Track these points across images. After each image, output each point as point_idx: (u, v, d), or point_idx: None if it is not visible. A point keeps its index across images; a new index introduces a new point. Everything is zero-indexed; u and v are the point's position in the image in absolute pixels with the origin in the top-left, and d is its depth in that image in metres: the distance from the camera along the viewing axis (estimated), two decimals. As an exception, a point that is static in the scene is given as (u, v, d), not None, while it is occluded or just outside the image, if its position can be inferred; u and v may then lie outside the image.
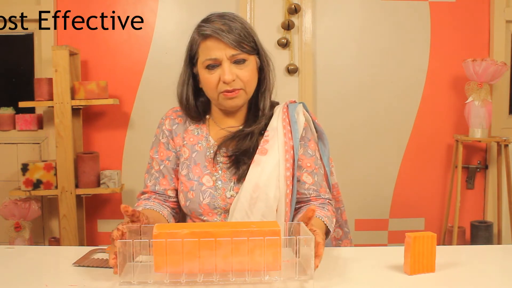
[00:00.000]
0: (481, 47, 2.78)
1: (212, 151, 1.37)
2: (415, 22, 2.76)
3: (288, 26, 2.68)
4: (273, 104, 1.44)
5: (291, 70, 2.71)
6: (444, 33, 2.77)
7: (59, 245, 2.58)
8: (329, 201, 1.39)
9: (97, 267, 1.13)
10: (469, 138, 2.60)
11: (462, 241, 2.73)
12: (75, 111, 2.64)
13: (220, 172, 1.36)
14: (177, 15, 2.75)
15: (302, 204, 1.37)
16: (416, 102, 2.80)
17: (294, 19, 2.72)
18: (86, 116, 2.77)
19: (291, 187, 1.33)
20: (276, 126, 1.36)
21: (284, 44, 2.70)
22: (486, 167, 2.84)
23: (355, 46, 2.78)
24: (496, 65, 2.51)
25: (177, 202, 1.43)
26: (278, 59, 2.71)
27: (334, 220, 1.36)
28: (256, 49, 1.34)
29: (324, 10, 2.76)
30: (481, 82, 2.55)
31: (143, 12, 2.73)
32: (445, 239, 2.76)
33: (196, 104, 1.40)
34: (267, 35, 2.70)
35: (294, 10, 2.67)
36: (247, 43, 1.30)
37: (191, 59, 1.35)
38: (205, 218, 1.35)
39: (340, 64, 2.79)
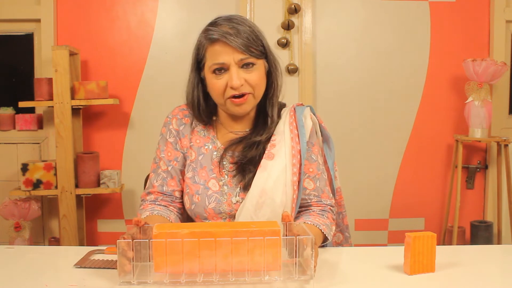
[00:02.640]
0: (481, 47, 2.78)
1: (218, 155, 1.35)
2: (415, 22, 2.76)
3: (288, 26, 2.68)
4: (281, 106, 1.42)
5: (291, 70, 2.71)
6: (444, 33, 2.77)
7: (59, 245, 2.58)
8: (331, 207, 1.37)
9: (98, 268, 1.13)
10: (469, 138, 2.60)
11: (462, 241, 2.73)
12: (75, 111, 2.63)
13: (226, 177, 1.34)
14: (177, 15, 2.75)
15: (303, 209, 1.36)
16: (416, 102, 2.80)
17: (294, 19, 2.72)
18: (86, 116, 2.76)
19: (297, 192, 1.31)
20: (283, 130, 1.34)
21: (284, 44, 2.70)
22: (486, 167, 2.83)
23: (355, 46, 2.78)
24: (496, 65, 2.50)
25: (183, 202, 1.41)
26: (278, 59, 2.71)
27: (334, 227, 1.35)
28: (264, 53, 1.32)
29: (324, 10, 2.76)
30: (481, 82, 2.55)
31: (143, 12, 2.73)
32: (445, 239, 2.75)
33: (206, 108, 1.37)
34: (267, 35, 2.64)
35: (294, 10, 2.67)
36: (256, 47, 1.28)
37: (198, 63, 1.32)
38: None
39: (340, 64, 2.78)
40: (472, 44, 2.77)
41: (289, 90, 2.73)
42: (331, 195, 1.40)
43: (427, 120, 2.80)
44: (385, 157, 2.82)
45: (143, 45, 2.75)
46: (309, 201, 1.36)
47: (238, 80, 1.25)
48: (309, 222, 1.27)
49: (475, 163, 2.85)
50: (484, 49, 2.78)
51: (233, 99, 1.27)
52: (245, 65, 1.27)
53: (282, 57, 2.70)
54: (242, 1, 2.69)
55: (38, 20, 2.71)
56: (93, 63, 2.75)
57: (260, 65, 1.30)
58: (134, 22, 2.74)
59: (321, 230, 1.26)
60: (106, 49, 2.74)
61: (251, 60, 1.27)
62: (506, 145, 2.60)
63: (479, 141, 2.68)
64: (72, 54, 2.59)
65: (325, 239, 1.29)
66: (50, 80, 2.52)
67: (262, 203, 1.27)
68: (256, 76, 1.28)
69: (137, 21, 2.74)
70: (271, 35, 2.71)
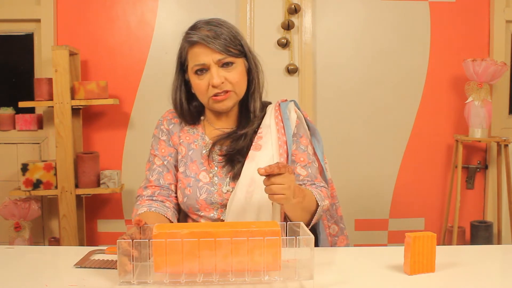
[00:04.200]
0: (481, 47, 2.78)
1: (207, 149, 1.41)
2: (415, 22, 2.76)
3: (288, 26, 2.68)
4: (265, 104, 1.48)
5: (291, 70, 2.71)
6: (444, 33, 2.77)
7: (59, 245, 2.58)
8: (325, 188, 1.42)
9: (98, 268, 1.13)
10: (469, 138, 2.60)
11: (462, 241, 2.73)
12: (75, 111, 2.63)
13: (216, 168, 1.40)
14: (177, 15, 2.75)
15: None
16: (416, 102, 2.80)
17: (294, 19, 2.71)
18: (86, 116, 2.76)
19: None
20: (269, 123, 1.41)
21: (284, 44, 2.70)
22: (486, 167, 2.83)
23: (355, 46, 2.78)
24: (496, 65, 2.50)
25: None
26: (278, 59, 2.71)
27: (327, 201, 1.39)
28: (243, 52, 1.38)
29: (324, 10, 2.76)
30: (481, 82, 2.55)
31: (143, 12, 2.73)
32: (445, 239, 2.76)
33: (189, 109, 1.44)
34: (267, 35, 2.70)
35: (294, 10, 2.67)
36: (234, 47, 1.34)
37: (182, 65, 1.41)
38: (202, 214, 1.38)
39: (340, 64, 2.78)
40: (472, 44, 2.77)
41: (289, 90, 2.75)
42: (324, 182, 1.45)
43: (427, 120, 2.80)
44: (385, 157, 2.82)
45: (143, 45, 2.75)
46: (303, 185, 1.40)
47: (218, 78, 1.32)
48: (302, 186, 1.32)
49: (475, 163, 2.85)
50: (484, 49, 2.78)
51: (215, 97, 1.35)
52: (225, 64, 1.34)
53: (282, 57, 2.73)
54: (242, 1, 2.69)
55: (38, 20, 2.71)
56: (93, 63, 2.75)
57: (240, 64, 1.37)
58: (134, 22, 2.74)
59: (312, 192, 1.32)
60: (106, 49, 2.74)
61: (230, 59, 1.34)
62: (506, 145, 2.60)
63: (479, 141, 2.67)
64: (72, 54, 2.59)
65: (317, 205, 1.33)
66: (50, 80, 2.52)
67: (252, 191, 1.32)
68: (236, 74, 1.35)
69: (137, 21, 2.74)
70: (271, 35, 2.70)
